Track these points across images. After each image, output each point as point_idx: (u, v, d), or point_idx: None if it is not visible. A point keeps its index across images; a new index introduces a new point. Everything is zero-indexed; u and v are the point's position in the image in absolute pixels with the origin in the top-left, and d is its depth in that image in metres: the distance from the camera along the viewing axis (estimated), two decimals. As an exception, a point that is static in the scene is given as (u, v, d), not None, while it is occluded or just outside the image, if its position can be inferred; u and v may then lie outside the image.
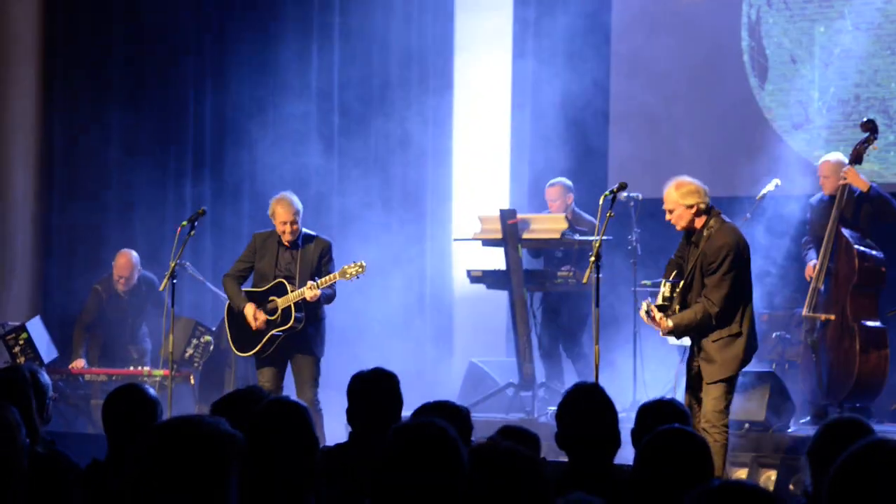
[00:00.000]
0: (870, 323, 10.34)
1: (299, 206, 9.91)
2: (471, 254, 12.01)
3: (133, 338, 11.75)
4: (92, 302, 11.68)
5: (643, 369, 10.76)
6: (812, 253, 10.63)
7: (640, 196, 10.82)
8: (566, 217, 11.09)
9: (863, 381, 10.25)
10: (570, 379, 10.58)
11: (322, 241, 10.05)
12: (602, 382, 8.41)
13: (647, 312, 8.35)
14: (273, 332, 9.89)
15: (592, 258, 8.83)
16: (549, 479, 3.83)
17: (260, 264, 9.98)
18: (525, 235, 11.03)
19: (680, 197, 8.28)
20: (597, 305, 8.91)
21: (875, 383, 10.31)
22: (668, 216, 8.42)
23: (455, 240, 12.60)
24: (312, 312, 9.93)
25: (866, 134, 10.43)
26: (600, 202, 9.03)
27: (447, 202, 13.34)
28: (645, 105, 12.45)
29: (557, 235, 10.91)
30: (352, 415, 5.85)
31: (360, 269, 9.80)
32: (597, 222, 9.64)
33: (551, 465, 4.61)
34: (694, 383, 8.37)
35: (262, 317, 9.86)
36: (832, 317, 10.35)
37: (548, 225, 11.06)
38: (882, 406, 10.66)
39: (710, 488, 3.07)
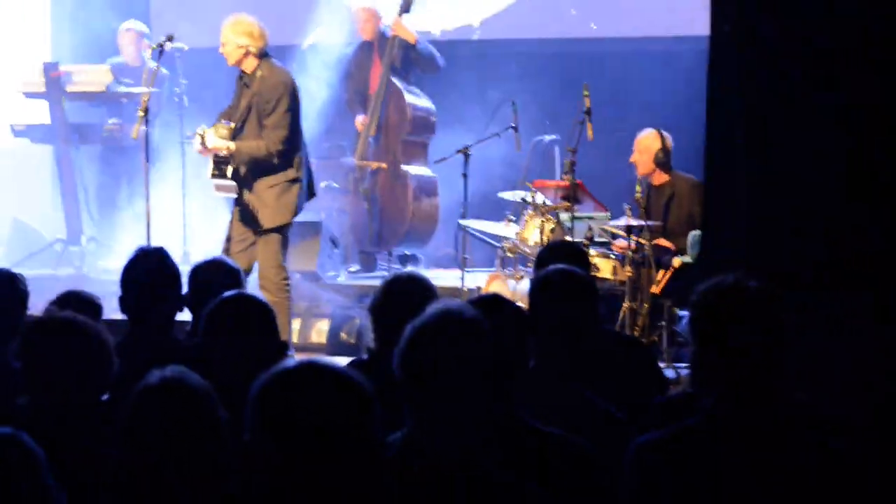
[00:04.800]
0: (421, 171, 10.60)
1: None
2: (14, 107, 11.55)
3: None
4: None
5: (191, 222, 10.66)
6: (357, 105, 10.78)
7: (186, 46, 10.60)
8: (110, 69, 10.80)
9: (414, 229, 10.56)
10: (118, 236, 10.43)
11: None
12: (154, 239, 8.34)
13: (203, 143, 8.13)
14: None
15: (140, 112, 8.64)
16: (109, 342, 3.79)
17: None
18: (69, 88, 10.73)
19: (234, 34, 8.19)
20: (147, 160, 8.77)
21: (426, 231, 10.63)
22: (220, 48, 8.28)
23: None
24: None
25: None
26: (145, 56, 8.82)
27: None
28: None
29: (102, 88, 10.65)
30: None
31: None
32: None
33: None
34: (245, 232, 8.31)
35: None
36: (384, 165, 10.53)
37: (92, 76, 10.77)
38: (428, 254, 11.00)
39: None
